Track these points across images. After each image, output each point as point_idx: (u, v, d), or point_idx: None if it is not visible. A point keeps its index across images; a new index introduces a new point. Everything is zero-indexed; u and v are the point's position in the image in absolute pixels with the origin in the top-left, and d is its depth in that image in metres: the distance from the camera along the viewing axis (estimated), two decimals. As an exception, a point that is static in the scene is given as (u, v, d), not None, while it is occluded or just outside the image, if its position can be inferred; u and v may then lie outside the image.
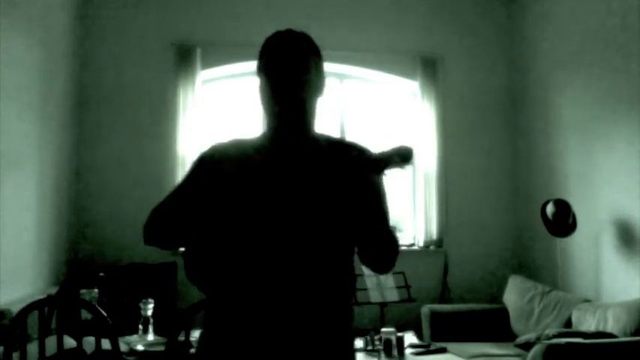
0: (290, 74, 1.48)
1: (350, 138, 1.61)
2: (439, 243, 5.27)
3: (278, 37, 1.53)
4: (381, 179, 1.47)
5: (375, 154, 1.37)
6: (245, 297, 1.40)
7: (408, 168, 1.38)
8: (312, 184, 1.43)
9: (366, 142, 1.57)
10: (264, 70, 1.51)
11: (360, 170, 1.38)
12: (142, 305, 3.23)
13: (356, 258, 1.53)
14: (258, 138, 1.56)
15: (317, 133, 1.56)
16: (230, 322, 1.43)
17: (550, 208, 4.44)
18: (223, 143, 1.58)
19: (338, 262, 1.47)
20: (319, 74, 1.55)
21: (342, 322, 1.48)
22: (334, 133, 1.62)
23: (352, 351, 1.54)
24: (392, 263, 1.51)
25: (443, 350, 3.92)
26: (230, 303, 1.43)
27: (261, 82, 1.53)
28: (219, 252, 1.41)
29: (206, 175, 1.52)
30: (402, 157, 1.34)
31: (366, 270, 4.06)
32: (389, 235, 1.49)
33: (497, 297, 4.88)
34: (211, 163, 1.53)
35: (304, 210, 1.42)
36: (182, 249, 1.47)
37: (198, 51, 5.04)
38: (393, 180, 1.41)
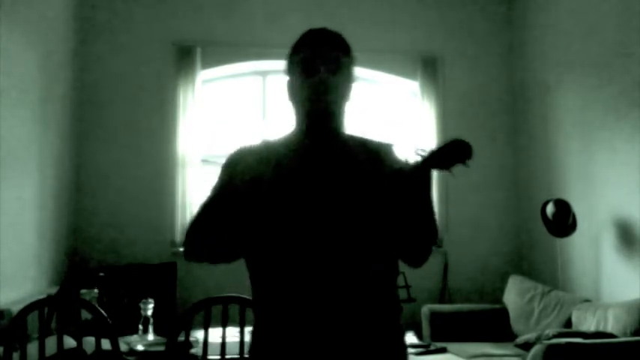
0: (325, 74, 1.44)
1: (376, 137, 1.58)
2: (439, 243, 5.27)
3: (313, 35, 1.49)
4: (430, 175, 1.43)
5: (435, 150, 1.34)
6: (295, 300, 1.38)
7: (469, 164, 1.36)
8: (349, 183, 1.41)
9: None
10: (297, 68, 1.48)
11: (420, 169, 1.35)
12: (142, 305, 3.22)
13: None
14: (287, 137, 1.51)
15: (347, 134, 1.53)
16: (281, 326, 1.40)
17: (550, 208, 4.44)
18: (251, 146, 1.53)
19: (380, 259, 1.44)
20: (351, 75, 1.52)
21: (392, 318, 1.46)
22: (366, 134, 1.59)
23: (404, 346, 1.51)
24: (428, 256, 1.51)
25: (443, 350, 3.92)
26: (280, 307, 1.40)
27: (292, 80, 1.50)
28: (267, 257, 1.40)
29: (237, 179, 1.44)
30: (464, 152, 1.33)
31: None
32: (433, 229, 1.47)
33: (497, 297, 4.88)
34: (242, 166, 1.45)
35: (346, 210, 1.39)
36: (229, 261, 1.43)
37: (198, 51, 5.04)
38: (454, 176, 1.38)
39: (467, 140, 1.36)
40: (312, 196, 1.40)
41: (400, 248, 1.48)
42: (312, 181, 1.42)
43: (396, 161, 1.49)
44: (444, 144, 1.37)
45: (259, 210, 1.39)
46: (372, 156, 1.48)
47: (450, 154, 1.34)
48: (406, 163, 1.42)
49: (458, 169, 1.37)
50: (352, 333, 1.37)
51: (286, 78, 1.53)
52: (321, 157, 1.46)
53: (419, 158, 1.37)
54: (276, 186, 1.40)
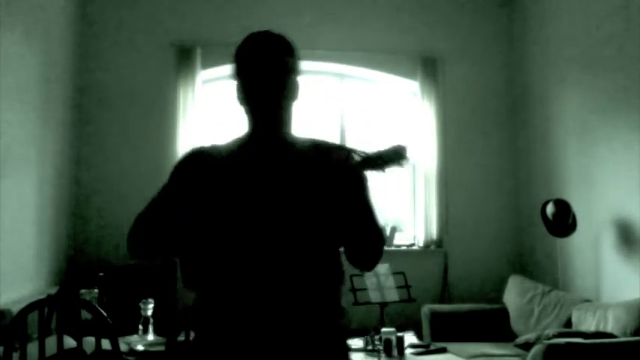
0: (266, 78, 1.47)
1: (341, 136, 1.61)
2: (439, 243, 5.26)
3: (254, 39, 1.51)
4: (365, 176, 1.46)
5: (372, 153, 1.38)
6: (233, 300, 1.41)
7: (406, 166, 1.39)
8: (293, 184, 1.44)
9: (365, 141, 1.57)
10: (240, 73, 1.51)
11: (354, 169, 1.38)
12: (142, 305, 3.23)
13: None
14: (236, 141, 1.55)
15: (294, 136, 1.55)
16: (220, 325, 1.43)
17: (550, 208, 4.44)
18: (203, 147, 1.58)
19: (322, 260, 1.47)
20: (295, 77, 1.53)
21: (331, 319, 1.48)
22: (315, 135, 1.62)
23: (345, 348, 1.54)
24: (377, 259, 1.53)
25: (443, 350, 3.92)
26: (219, 306, 1.43)
27: (238, 85, 1.53)
28: (207, 256, 1.43)
29: (187, 179, 1.50)
30: (398, 155, 1.36)
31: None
32: (375, 230, 1.49)
33: (497, 297, 4.88)
34: (191, 167, 1.52)
35: (286, 211, 1.42)
36: (169, 258, 1.48)
37: (198, 51, 5.04)
38: (389, 178, 1.43)
39: (403, 144, 1.39)
40: (255, 200, 1.43)
41: (347, 251, 1.51)
42: (258, 184, 1.45)
43: (342, 162, 1.49)
44: (384, 149, 1.40)
45: (203, 211, 1.44)
46: (321, 157, 1.49)
47: (385, 156, 1.36)
48: (344, 164, 1.45)
49: (391, 169, 1.39)
50: (290, 333, 1.40)
51: (234, 82, 1.55)
52: (267, 160, 1.48)
53: (358, 159, 1.39)
54: (220, 189, 1.45)
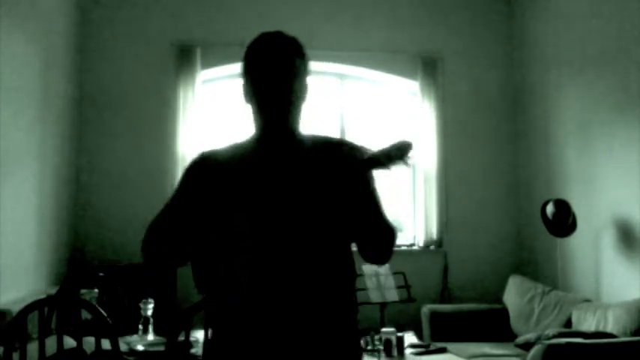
0: (276, 78, 1.47)
1: (341, 136, 1.61)
2: (439, 243, 5.27)
3: (265, 40, 1.51)
4: (371, 173, 1.47)
5: (377, 150, 1.37)
6: (247, 300, 1.41)
7: (410, 163, 1.39)
8: (304, 183, 1.44)
9: (363, 140, 1.57)
10: (249, 73, 1.51)
11: (361, 168, 1.38)
12: (142, 305, 3.23)
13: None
14: (246, 142, 1.55)
15: (303, 135, 1.55)
16: (235, 327, 1.43)
17: (550, 208, 4.44)
18: (211, 150, 1.58)
19: (335, 258, 1.47)
20: (305, 78, 1.54)
21: (345, 315, 1.48)
22: (323, 132, 1.63)
23: (359, 343, 1.55)
24: (390, 253, 1.54)
25: (443, 350, 3.92)
26: (233, 308, 1.43)
27: (246, 85, 1.53)
28: (221, 259, 1.42)
29: (198, 183, 1.51)
30: (403, 152, 1.35)
31: (366, 269, 4.08)
32: (385, 226, 1.50)
33: (497, 297, 4.88)
34: (201, 171, 1.52)
35: (298, 210, 1.42)
36: (184, 264, 1.47)
37: (198, 51, 5.04)
38: (395, 176, 1.42)
39: (408, 140, 1.38)
40: (266, 200, 1.43)
41: (359, 247, 1.51)
42: (268, 184, 1.45)
43: (351, 158, 1.49)
44: (388, 145, 1.39)
45: (214, 214, 1.44)
46: (330, 156, 1.49)
47: (390, 153, 1.36)
48: (350, 162, 1.44)
49: (397, 166, 1.38)
50: (305, 333, 1.40)
51: (242, 81, 1.55)
52: (276, 160, 1.48)
53: (363, 157, 1.39)
54: (231, 191, 1.45)
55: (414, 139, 5.16)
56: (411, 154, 1.37)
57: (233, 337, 1.43)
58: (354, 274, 1.54)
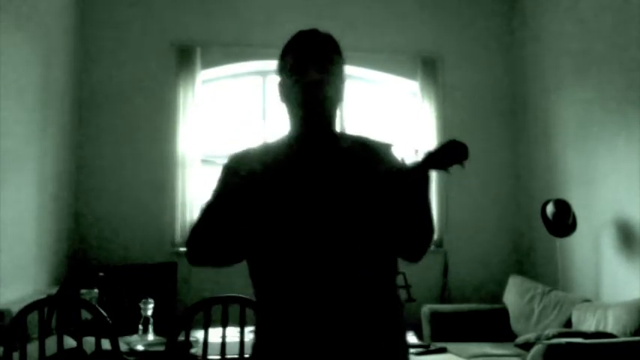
0: (316, 74, 1.44)
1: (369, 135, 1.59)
2: (439, 243, 5.26)
3: (304, 36, 1.49)
4: (429, 175, 1.45)
5: (434, 150, 1.36)
6: (296, 301, 1.39)
7: (466, 164, 1.38)
8: (347, 180, 1.42)
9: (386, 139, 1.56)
10: (289, 70, 1.48)
11: (419, 171, 1.36)
12: (142, 305, 3.22)
13: None
14: (282, 142, 1.52)
15: (340, 133, 1.53)
16: (283, 326, 1.41)
17: (550, 208, 4.44)
18: (248, 149, 1.54)
19: (381, 257, 1.45)
20: (343, 75, 1.53)
21: (393, 315, 1.46)
22: (356, 131, 1.61)
23: (406, 343, 1.52)
24: (426, 251, 1.53)
25: (443, 350, 3.92)
26: (282, 307, 1.41)
27: (284, 82, 1.50)
28: (268, 259, 1.41)
29: (237, 184, 1.44)
30: (461, 153, 1.35)
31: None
32: (430, 225, 1.50)
33: (497, 297, 4.88)
34: (242, 169, 1.45)
35: (344, 211, 1.40)
36: (229, 264, 1.44)
37: (198, 51, 5.04)
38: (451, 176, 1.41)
39: (463, 141, 1.37)
40: (310, 197, 1.41)
41: (398, 246, 1.49)
42: (309, 183, 1.42)
43: (394, 161, 1.50)
44: (442, 145, 1.38)
45: (259, 213, 1.40)
46: (370, 156, 1.48)
47: (447, 154, 1.35)
48: (404, 163, 1.44)
49: (454, 169, 1.39)
50: (354, 332, 1.38)
51: (278, 79, 1.53)
52: (317, 158, 1.46)
53: (418, 159, 1.38)
54: (275, 189, 1.41)
55: (414, 139, 5.23)
56: (467, 155, 1.35)
57: (283, 336, 1.41)
58: (396, 271, 1.52)
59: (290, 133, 1.51)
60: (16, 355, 2.44)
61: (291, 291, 1.40)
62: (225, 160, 1.53)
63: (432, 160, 1.37)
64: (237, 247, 1.43)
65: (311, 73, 1.44)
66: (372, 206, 1.41)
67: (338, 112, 1.52)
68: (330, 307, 1.37)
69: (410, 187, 1.41)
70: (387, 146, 1.52)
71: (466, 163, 1.36)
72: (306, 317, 1.38)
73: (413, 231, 1.47)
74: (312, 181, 1.42)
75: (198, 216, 1.47)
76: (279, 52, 1.53)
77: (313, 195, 1.41)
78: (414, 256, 1.54)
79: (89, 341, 2.61)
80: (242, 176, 1.43)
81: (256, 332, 1.49)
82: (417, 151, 1.41)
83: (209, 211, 1.45)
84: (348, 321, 1.38)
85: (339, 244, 1.39)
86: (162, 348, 2.72)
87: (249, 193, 1.41)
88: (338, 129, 1.53)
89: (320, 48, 1.47)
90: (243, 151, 1.54)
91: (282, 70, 1.51)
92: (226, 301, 2.66)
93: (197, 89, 5.02)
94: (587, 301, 4.09)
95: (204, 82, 5.12)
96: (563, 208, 4.40)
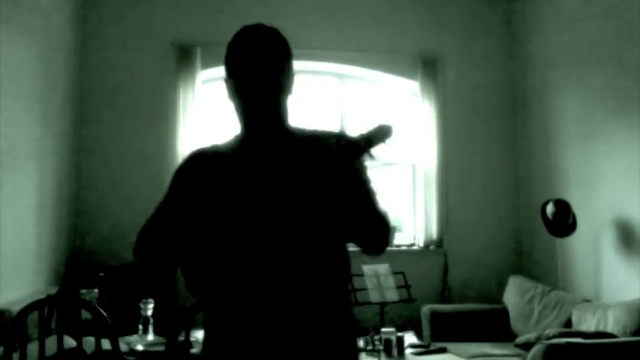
0: (260, 71, 1.43)
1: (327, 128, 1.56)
2: (439, 243, 5.26)
3: (245, 33, 1.48)
4: (363, 162, 1.44)
5: (356, 136, 1.34)
6: (242, 299, 1.40)
7: (390, 144, 1.34)
8: (294, 177, 1.41)
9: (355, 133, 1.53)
10: (232, 69, 1.48)
11: (344, 155, 1.33)
12: (142, 305, 3.23)
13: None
14: (233, 140, 1.53)
15: (292, 127, 1.53)
16: (231, 326, 1.42)
17: (550, 208, 4.44)
18: (199, 150, 1.56)
19: (330, 252, 1.46)
20: (290, 70, 1.51)
21: (342, 313, 1.47)
22: (313, 126, 1.59)
23: (355, 342, 1.54)
24: (386, 243, 1.51)
25: (443, 350, 3.92)
26: (229, 307, 1.42)
27: (229, 81, 1.50)
28: (213, 259, 1.41)
29: (187, 185, 1.50)
30: (382, 133, 1.33)
31: (366, 269, 4.08)
32: (378, 215, 1.47)
33: (497, 297, 4.88)
34: (190, 172, 1.51)
35: (290, 205, 1.40)
36: (176, 266, 1.47)
37: (198, 51, 5.04)
38: (376, 159, 1.37)
39: (387, 123, 1.35)
40: (257, 196, 1.41)
41: (354, 240, 1.49)
42: (255, 182, 1.43)
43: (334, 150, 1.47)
44: (367, 130, 1.35)
45: (205, 214, 1.43)
46: (320, 147, 1.46)
47: (370, 137, 1.33)
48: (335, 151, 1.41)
49: (382, 148, 1.36)
50: (301, 330, 1.39)
51: (225, 78, 1.52)
52: (265, 156, 1.46)
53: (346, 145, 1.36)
54: (222, 189, 1.43)
55: (414, 139, 5.23)
56: (391, 134, 1.32)
57: (229, 337, 1.42)
58: (348, 267, 1.52)
59: (239, 133, 1.53)
60: (16, 355, 2.44)
61: (239, 291, 1.40)
62: (178, 164, 1.57)
63: (354, 145, 1.32)
64: (181, 250, 1.45)
65: (254, 73, 1.43)
66: (318, 202, 1.41)
67: (286, 108, 1.50)
68: (277, 306, 1.38)
69: (341, 175, 1.38)
70: (336, 136, 1.48)
71: (389, 142, 1.34)
72: (254, 317, 1.39)
73: (363, 224, 1.46)
74: (258, 180, 1.43)
75: (148, 219, 1.51)
76: (227, 49, 1.52)
77: (260, 195, 1.41)
78: (374, 249, 1.52)
79: (89, 341, 2.62)
80: (193, 178, 1.48)
81: (205, 332, 1.50)
82: (344, 139, 1.38)
83: (157, 214, 1.51)
84: (295, 318, 1.39)
85: (286, 241, 1.39)
86: (162, 348, 2.72)
87: (198, 195, 1.45)
88: (288, 122, 1.52)
89: (262, 44, 1.45)
90: (197, 150, 1.56)
91: (227, 70, 1.50)
92: (226, 301, 2.65)
93: (197, 89, 5.02)
94: (587, 301, 4.09)
95: (204, 82, 5.12)
96: (563, 208, 4.40)
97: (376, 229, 1.48)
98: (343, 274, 1.51)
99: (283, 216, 1.40)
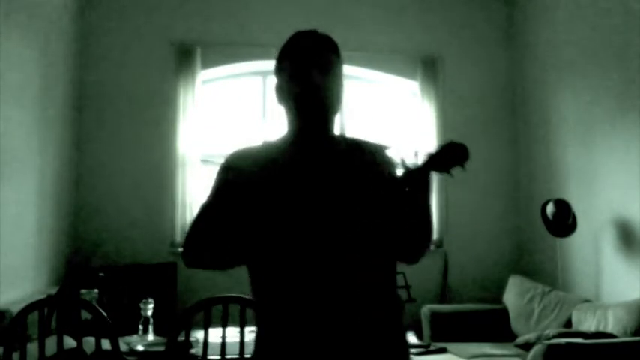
0: (316, 75, 1.42)
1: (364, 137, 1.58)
2: (439, 243, 5.26)
3: (300, 38, 1.48)
4: (430, 178, 1.46)
5: (434, 153, 1.36)
6: (296, 304, 1.38)
7: (466, 166, 1.38)
8: (348, 185, 1.41)
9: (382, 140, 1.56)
10: (285, 73, 1.47)
11: (407, 183, 1.36)
12: (142, 305, 3.22)
13: None
14: (280, 142, 1.50)
15: (337, 135, 1.52)
16: (284, 329, 1.39)
17: (550, 208, 4.44)
18: (246, 149, 1.51)
19: (382, 259, 1.45)
20: (341, 76, 1.51)
21: (394, 317, 1.46)
22: (351, 134, 1.60)
23: (406, 344, 1.52)
24: (424, 254, 1.56)
25: (443, 350, 3.92)
26: (282, 310, 1.40)
27: (281, 82, 1.49)
28: (268, 262, 1.39)
29: (239, 183, 1.42)
30: (461, 155, 1.34)
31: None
32: (430, 230, 1.53)
33: (497, 297, 4.88)
34: (238, 170, 1.45)
35: (343, 213, 1.38)
36: (227, 268, 1.42)
37: (198, 51, 5.04)
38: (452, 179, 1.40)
39: (463, 143, 1.37)
40: (308, 199, 1.39)
41: (398, 249, 1.49)
42: (308, 185, 1.40)
43: (391, 163, 1.50)
44: (442, 147, 1.38)
45: (257, 215, 1.39)
46: (367, 158, 1.47)
47: (448, 156, 1.34)
48: (404, 165, 1.43)
49: (455, 170, 1.39)
50: (354, 334, 1.37)
51: (275, 80, 1.52)
52: (315, 161, 1.45)
53: (417, 161, 1.38)
54: (272, 190, 1.39)
55: (414, 139, 5.23)
56: (468, 157, 1.35)
57: (284, 338, 1.39)
58: (395, 271, 1.51)
59: (288, 134, 1.50)
60: (16, 355, 2.44)
61: (292, 294, 1.38)
62: (222, 160, 1.51)
63: (433, 162, 1.37)
64: (234, 250, 1.41)
65: (312, 76, 1.42)
66: (373, 209, 1.40)
67: (337, 115, 1.50)
68: (331, 310, 1.36)
69: (412, 190, 1.41)
70: (383, 148, 1.50)
71: (466, 165, 1.35)
72: (307, 319, 1.37)
73: (413, 234, 1.48)
74: (311, 184, 1.40)
75: (195, 217, 1.45)
76: (279, 51, 1.52)
77: (312, 198, 1.39)
78: (413, 259, 1.55)
79: (89, 341, 2.61)
80: (240, 177, 1.41)
81: (257, 335, 1.47)
82: (416, 154, 1.41)
83: (207, 212, 1.43)
84: (349, 323, 1.36)
85: (339, 246, 1.37)
86: (162, 348, 2.72)
87: (247, 195, 1.39)
88: (336, 132, 1.52)
89: (319, 51, 1.46)
90: (242, 150, 1.52)
91: (279, 72, 1.50)
92: (226, 301, 2.66)
93: (197, 89, 5.02)
94: (587, 301, 4.10)
95: (204, 82, 5.12)
96: (563, 208, 4.40)
97: (424, 241, 1.52)
98: (391, 277, 1.50)
99: (336, 222, 1.38)
